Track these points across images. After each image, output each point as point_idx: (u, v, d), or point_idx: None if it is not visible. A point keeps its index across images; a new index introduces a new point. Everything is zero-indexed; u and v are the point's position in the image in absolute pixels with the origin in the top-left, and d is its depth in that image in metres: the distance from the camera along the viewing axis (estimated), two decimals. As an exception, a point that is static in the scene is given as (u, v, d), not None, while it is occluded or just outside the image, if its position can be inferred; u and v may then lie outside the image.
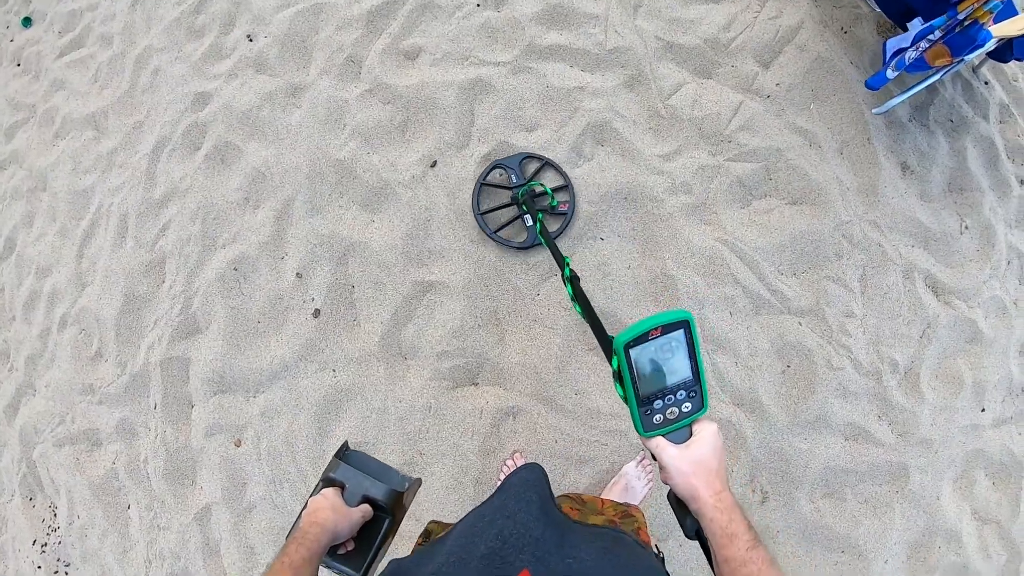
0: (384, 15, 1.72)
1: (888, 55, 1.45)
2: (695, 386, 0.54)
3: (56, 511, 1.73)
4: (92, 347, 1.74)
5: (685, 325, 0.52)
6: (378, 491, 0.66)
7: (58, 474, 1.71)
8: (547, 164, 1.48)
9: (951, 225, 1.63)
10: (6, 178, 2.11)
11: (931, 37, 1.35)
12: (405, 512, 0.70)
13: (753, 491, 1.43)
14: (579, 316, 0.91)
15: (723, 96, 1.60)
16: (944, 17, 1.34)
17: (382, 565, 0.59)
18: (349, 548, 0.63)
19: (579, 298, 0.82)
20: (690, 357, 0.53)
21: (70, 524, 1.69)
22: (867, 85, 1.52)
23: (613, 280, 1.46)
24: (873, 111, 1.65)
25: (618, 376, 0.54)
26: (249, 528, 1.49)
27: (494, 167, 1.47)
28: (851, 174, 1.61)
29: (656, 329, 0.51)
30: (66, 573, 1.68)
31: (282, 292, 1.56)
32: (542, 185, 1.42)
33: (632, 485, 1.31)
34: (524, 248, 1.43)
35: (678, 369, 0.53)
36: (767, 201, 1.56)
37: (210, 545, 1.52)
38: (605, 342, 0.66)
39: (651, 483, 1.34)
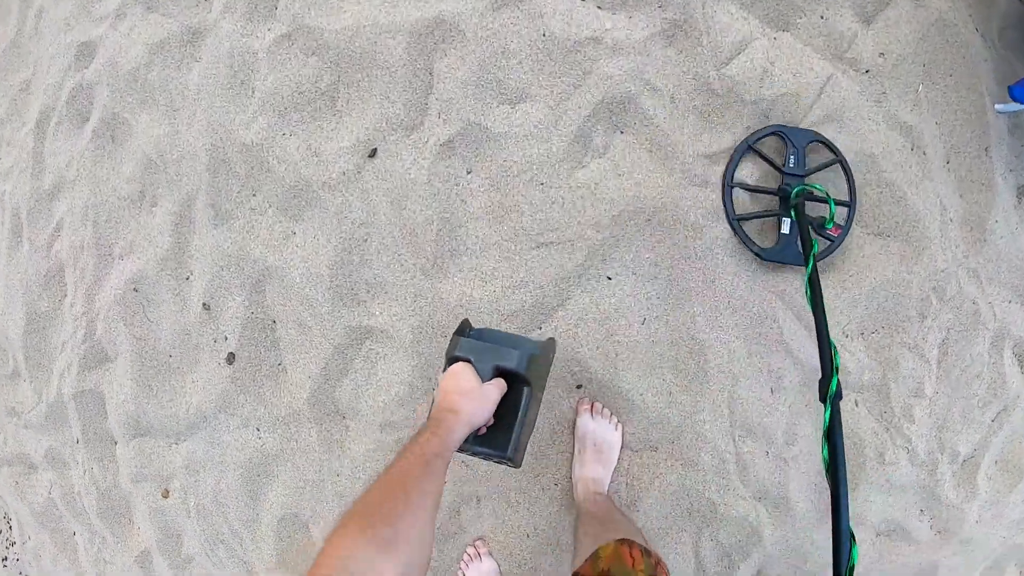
0: (309, -84, 0.89)
1: None
2: None
3: (11, 524, 1.30)
4: (9, 365, 1.18)
5: None
6: (510, 359, 0.49)
7: (3, 492, 1.25)
8: (839, 163, 0.80)
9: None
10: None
11: None
12: (546, 377, 0.55)
13: (767, 586, 0.90)
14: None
15: (805, 63, 0.82)
16: None
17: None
18: (489, 423, 0.48)
19: (832, 437, 0.43)
20: None
21: (24, 543, 1.26)
22: (1012, 94, 0.77)
23: (620, 338, 0.82)
24: (997, 108, 0.85)
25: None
26: (189, 578, 1.03)
27: (775, 132, 0.80)
28: (957, 196, 0.87)
29: None
30: (31, 585, 1.28)
31: (189, 326, 0.95)
32: (825, 192, 0.76)
33: (602, 439, 0.79)
34: (763, 259, 0.80)
35: None
36: (853, 182, 0.84)
37: (154, 587, 1.07)
38: (841, 534, 0.38)
39: (617, 421, 0.82)
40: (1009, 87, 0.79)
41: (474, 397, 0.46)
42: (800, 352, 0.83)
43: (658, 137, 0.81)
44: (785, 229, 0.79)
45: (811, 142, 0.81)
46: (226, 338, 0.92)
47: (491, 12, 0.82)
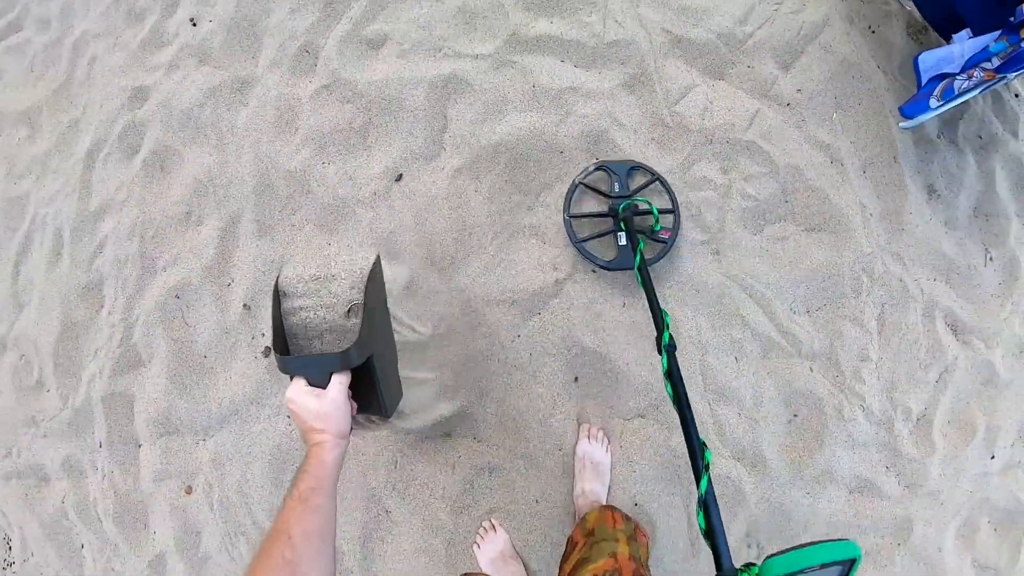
0: (345, -5, 1.21)
1: (924, 77, 1.00)
2: None
3: (11, 545, 1.36)
4: (33, 375, 1.32)
5: (850, 565, 0.36)
6: (342, 362, 0.48)
7: (8, 508, 1.33)
8: (658, 180, 1.05)
9: (976, 256, 1.23)
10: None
11: (986, 65, 0.91)
12: (384, 294, 0.55)
13: (749, 547, 1.09)
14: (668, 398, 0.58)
15: (737, 102, 1.15)
16: (1004, 42, 0.89)
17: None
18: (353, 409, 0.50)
19: (672, 376, 0.58)
20: None
21: (25, 561, 1.32)
22: (902, 112, 1.08)
23: (605, 320, 1.06)
24: (900, 125, 1.20)
25: (703, 505, 0.46)
26: (205, 579, 1.13)
27: (599, 168, 1.04)
28: (875, 197, 1.19)
29: (817, 567, 0.36)
30: (27, 607, 1.33)
31: (229, 326, 1.14)
32: (648, 203, 1.01)
33: (598, 460, 1.00)
34: (608, 269, 1.01)
35: None
36: (782, 227, 1.14)
37: (166, 593, 1.16)
38: (695, 449, 0.51)
39: (607, 442, 1.02)
40: (900, 107, 1.12)
41: (323, 416, 0.45)
42: (755, 324, 1.08)
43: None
44: (622, 242, 0.98)
45: (631, 169, 1.05)
46: (263, 334, 1.12)
47: (493, 70, 1.12)
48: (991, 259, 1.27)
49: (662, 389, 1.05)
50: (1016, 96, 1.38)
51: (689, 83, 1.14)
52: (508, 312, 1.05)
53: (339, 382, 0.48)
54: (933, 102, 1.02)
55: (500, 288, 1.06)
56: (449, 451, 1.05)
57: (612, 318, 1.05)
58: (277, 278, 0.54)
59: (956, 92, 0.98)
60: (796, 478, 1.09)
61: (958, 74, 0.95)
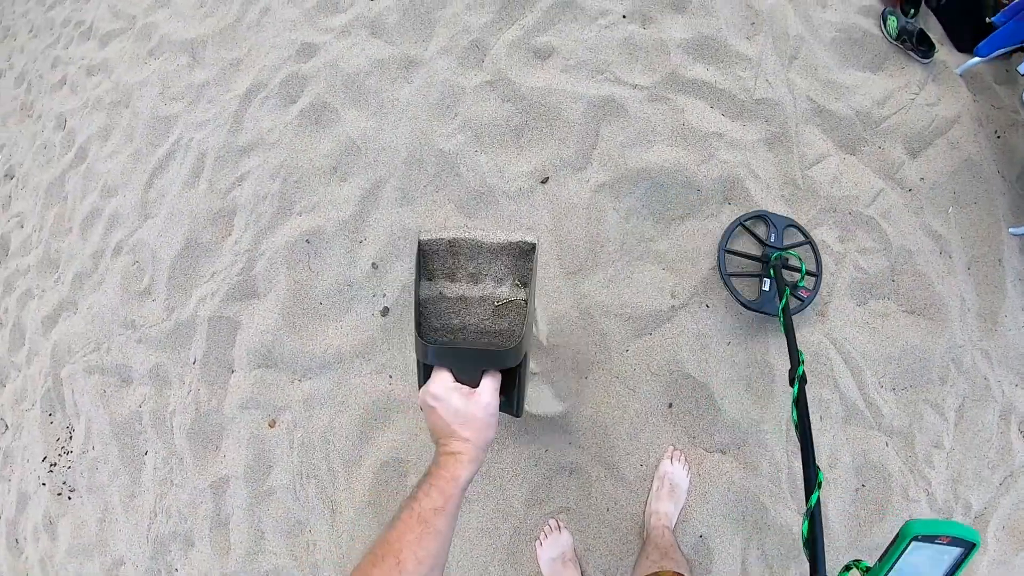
0: (521, 3, 1.36)
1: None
2: None
3: (72, 434, 1.45)
4: (142, 282, 1.44)
5: (970, 548, 0.44)
6: (505, 360, 0.42)
7: (82, 400, 1.43)
8: (809, 244, 1.17)
9: (1063, 373, 1.30)
10: (92, 85, 1.77)
11: None
12: (535, 283, 0.47)
13: (796, 604, 1.14)
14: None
15: (864, 178, 1.26)
16: None
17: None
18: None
19: (800, 405, 0.69)
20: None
21: (83, 453, 1.41)
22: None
23: (710, 353, 1.14)
24: (1010, 230, 1.30)
25: (810, 516, 0.55)
26: (265, 512, 1.21)
27: (759, 216, 1.17)
28: (975, 294, 1.27)
29: (947, 537, 0.45)
30: (69, 498, 1.41)
31: (353, 279, 1.25)
32: (799, 259, 1.12)
33: (677, 483, 1.06)
34: (747, 307, 1.12)
35: None
36: (885, 304, 1.23)
37: (220, 517, 1.24)
38: (810, 473, 0.60)
39: (689, 468, 1.09)
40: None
41: (472, 421, 0.40)
42: (845, 388, 1.16)
43: (753, 209, 1.21)
44: (765, 287, 1.13)
45: (788, 226, 1.17)
46: (384, 295, 1.22)
47: (648, 101, 1.25)
48: (1077, 380, 1.33)
49: (749, 429, 1.13)
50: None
51: (824, 151, 1.26)
52: (622, 326, 1.15)
53: (493, 384, 0.42)
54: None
55: (620, 302, 1.15)
56: (537, 444, 1.13)
57: (716, 353, 1.14)
58: (419, 243, 0.45)
59: None
60: (852, 545, 1.14)
61: None
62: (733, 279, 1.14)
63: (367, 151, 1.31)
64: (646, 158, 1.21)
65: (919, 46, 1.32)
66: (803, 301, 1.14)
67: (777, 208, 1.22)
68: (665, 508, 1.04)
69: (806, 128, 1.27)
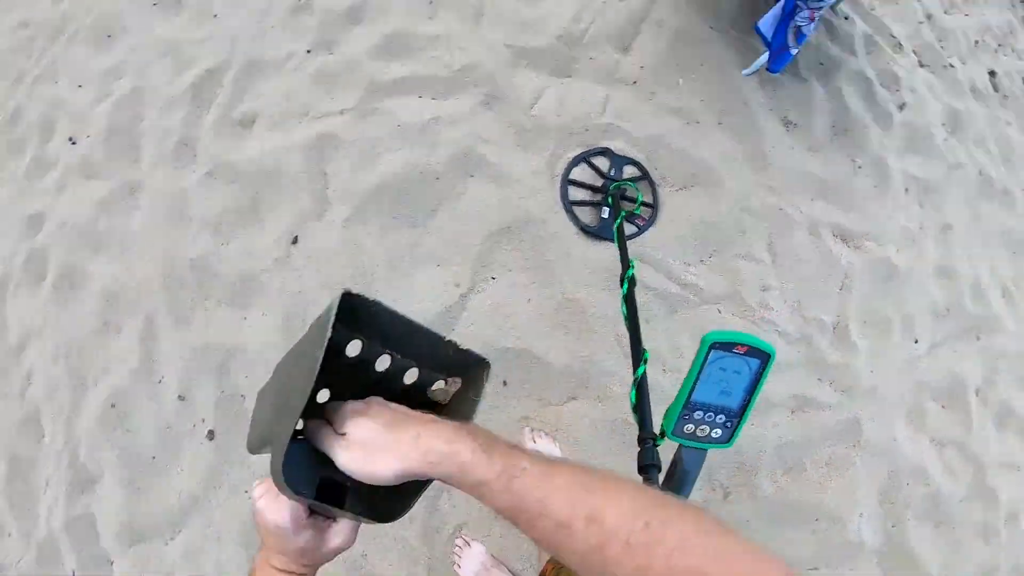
0: (209, 85, 1.39)
1: (769, 36, 1.25)
2: (735, 419, 0.53)
3: None
4: (-12, 524, 1.41)
5: (766, 359, 0.50)
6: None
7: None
8: (646, 178, 1.32)
9: (844, 168, 1.45)
10: None
11: (814, 4, 1.15)
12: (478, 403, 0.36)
13: (713, 490, 1.25)
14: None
15: (588, 93, 1.36)
16: None
17: None
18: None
19: (629, 300, 0.79)
20: (748, 390, 0.52)
21: None
22: (771, 71, 1.33)
23: (516, 319, 1.22)
24: (743, 72, 1.44)
25: (637, 385, 0.64)
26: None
27: (602, 152, 1.31)
28: (735, 143, 1.40)
29: (744, 347, 0.50)
30: None
31: (169, 420, 1.27)
32: (636, 189, 1.26)
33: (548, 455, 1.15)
34: (587, 232, 1.25)
35: (733, 393, 0.52)
36: (655, 190, 1.34)
37: None
38: (637, 352, 0.69)
39: (552, 438, 1.17)
40: (767, 68, 1.36)
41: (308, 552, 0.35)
42: (655, 284, 1.26)
43: (498, 172, 1.29)
44: (604, 215, 1.25)
45: (627, 163, 1.31)
46: (203, 420, 1.25)
47: (359, 120, 1.31)
48: (859, 167, 1.49)
49: (584, 368, 1.21)
50: (846, 18, 1.64)
51: (540, 86, 1.35)
52: (424, 336, 1.21)
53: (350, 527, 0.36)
54: (793, 50, 1.26)
55: (412, 315, 1.22)
56: (404, 480, 1.19)
57: (522, 316, 1.22)
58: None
59: (807, 35, 1.22)
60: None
61: (806, 24, 1.18)
62: (575, 207, 1.25)
63: (125, 293, 1.33)
64: (377, 173, 1.27)
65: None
66: (639, 228, 1.26)
67: (515, 156, 1.30)
68: None
69: (515, 73, 1.35)
